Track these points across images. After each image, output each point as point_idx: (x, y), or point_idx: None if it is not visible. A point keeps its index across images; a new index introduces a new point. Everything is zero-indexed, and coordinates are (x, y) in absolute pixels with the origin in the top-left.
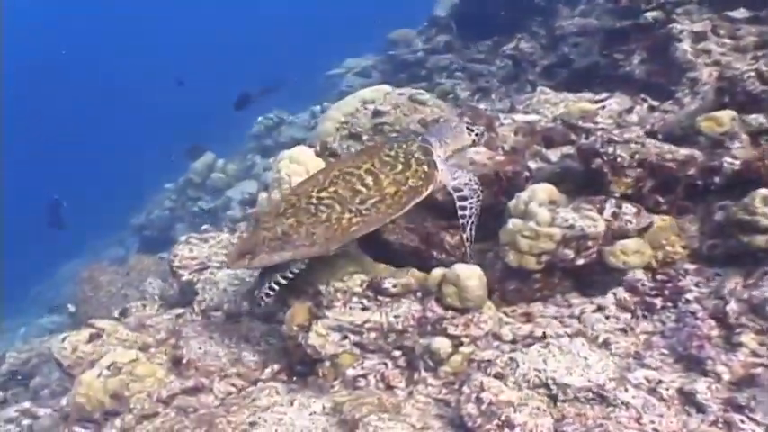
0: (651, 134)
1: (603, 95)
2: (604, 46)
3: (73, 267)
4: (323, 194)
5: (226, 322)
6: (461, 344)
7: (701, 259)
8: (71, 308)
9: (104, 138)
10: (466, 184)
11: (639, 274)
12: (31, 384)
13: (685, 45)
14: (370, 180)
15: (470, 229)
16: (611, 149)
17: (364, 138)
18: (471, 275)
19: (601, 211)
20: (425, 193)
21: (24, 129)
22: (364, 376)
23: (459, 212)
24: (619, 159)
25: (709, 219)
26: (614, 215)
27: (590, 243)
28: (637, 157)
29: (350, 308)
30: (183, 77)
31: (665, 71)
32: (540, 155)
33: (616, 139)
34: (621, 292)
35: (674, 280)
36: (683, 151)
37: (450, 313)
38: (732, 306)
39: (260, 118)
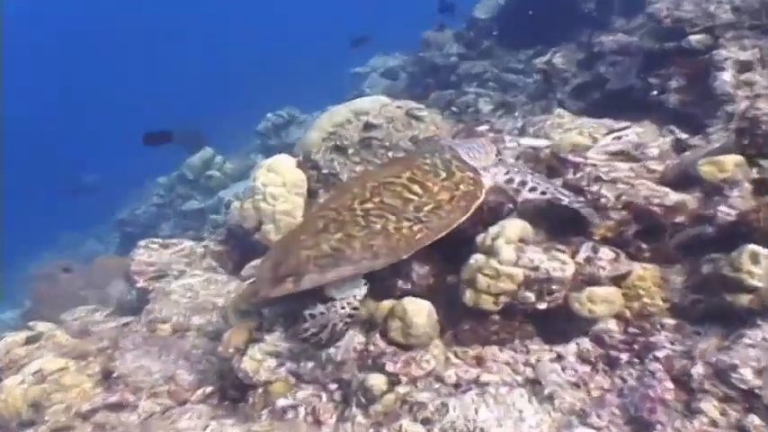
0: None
1: (623, 124)
2: (642, 68)
3: (45, 261)
4: (368, 206)
5: (171, 336)
6: (399, 382)
7: (683, 315)
8: (27, 305)
9: (105, 126)
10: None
11: (612, 324)
12: None
13: (726, 75)
14: (417, 188)
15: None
16: (595, 188)
17: (350, 152)
18: (419, 311)
19: (575, 254)
20: (482, 197)
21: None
22: (294, 407)
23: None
24: (602, 200)
25: (696, 271)
26: (588, 260)
27: (555, 287)
28: (623, 198)
29: (290, 333)
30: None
31: (702, 102)
32: None
33: (603, 177)
34: (586, 343)
35: (646, 334)
36: (674, 196)
37: (391, 349)
38: (698, 369)
39: (269, 114)
